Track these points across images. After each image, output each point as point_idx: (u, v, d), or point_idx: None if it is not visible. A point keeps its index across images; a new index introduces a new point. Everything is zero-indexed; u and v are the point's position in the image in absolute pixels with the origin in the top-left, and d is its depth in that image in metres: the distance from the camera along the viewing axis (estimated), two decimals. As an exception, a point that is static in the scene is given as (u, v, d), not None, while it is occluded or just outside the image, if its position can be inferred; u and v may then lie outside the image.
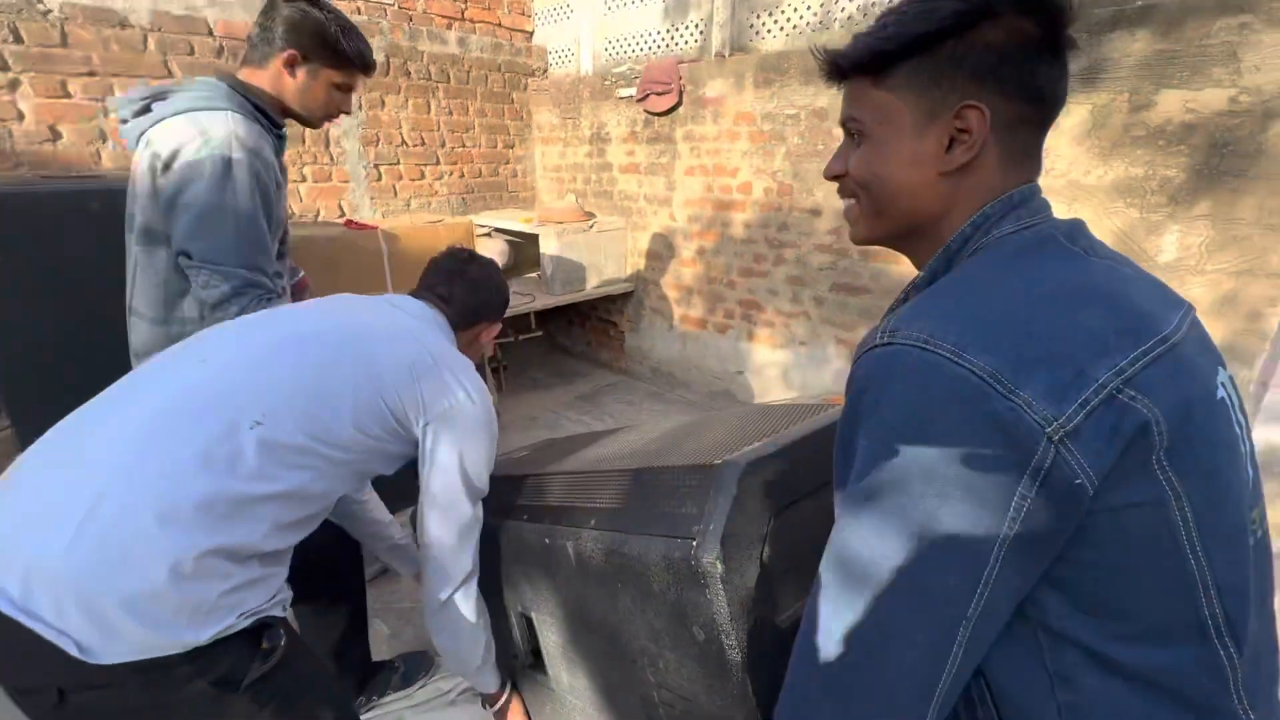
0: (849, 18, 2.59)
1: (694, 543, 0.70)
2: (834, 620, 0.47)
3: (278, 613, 0.84)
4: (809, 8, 2.70)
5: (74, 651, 0.66)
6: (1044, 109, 0.54)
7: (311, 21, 1.19)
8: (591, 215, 3.67)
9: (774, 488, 0.74)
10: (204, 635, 0.73)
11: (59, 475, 0.74)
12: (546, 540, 0.98)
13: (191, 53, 2.67)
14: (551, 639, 1.09)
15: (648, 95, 3.18)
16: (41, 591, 0.66)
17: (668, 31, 3.27)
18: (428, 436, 0.97)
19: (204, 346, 0.89)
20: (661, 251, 3.51)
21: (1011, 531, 0.42)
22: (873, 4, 2.51)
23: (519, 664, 1.24)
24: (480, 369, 1.71)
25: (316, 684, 0.91)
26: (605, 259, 3.60)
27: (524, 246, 3.62)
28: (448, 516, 1.00)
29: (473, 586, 1.06)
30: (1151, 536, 0.44)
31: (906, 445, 0.44)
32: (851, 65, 0.57)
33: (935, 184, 0.55)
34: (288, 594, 0.88)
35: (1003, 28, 0.50)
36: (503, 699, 1.22)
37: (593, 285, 3.54)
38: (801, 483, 0.77)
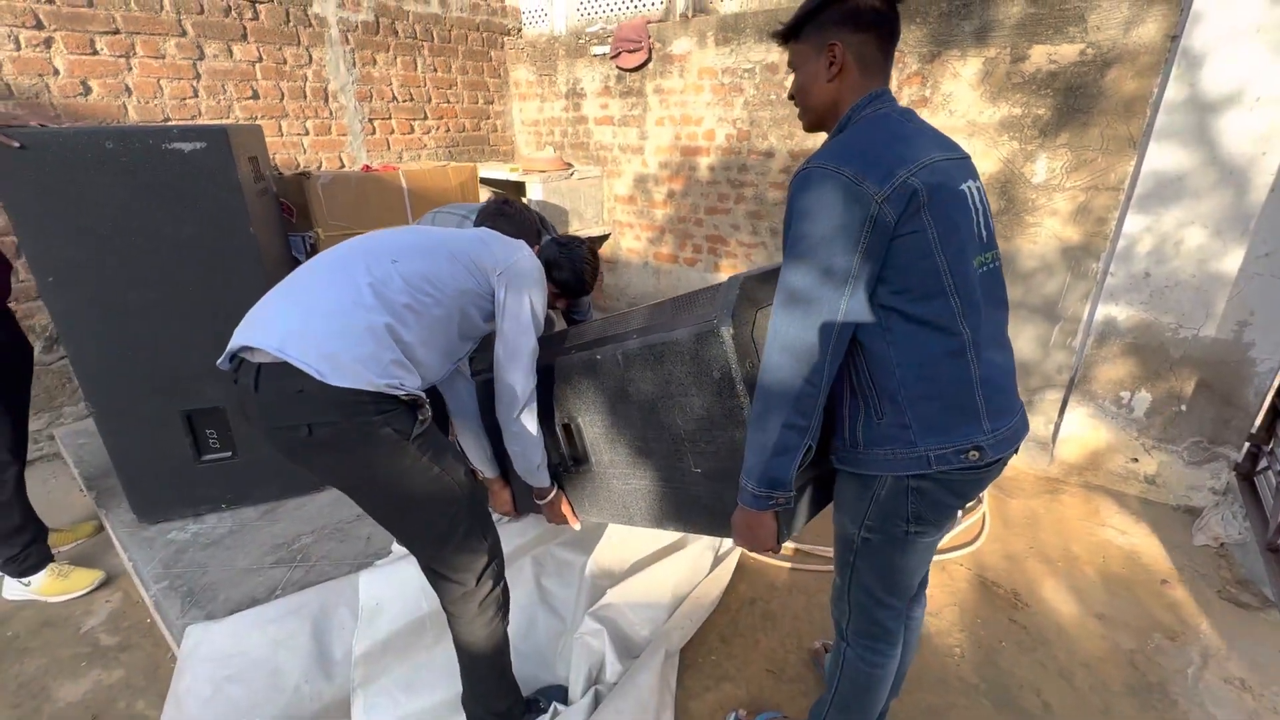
0: (794, -17, 3.00)
1: (714, 320, 1.16)
2: (781, 316, 0.93)
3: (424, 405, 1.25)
4: (760, -27, 3.10)
5: (316, 375, 1.06)
6: (881, 37, 0.97)
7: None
8: (570, 165, 4.04)
9: (756, 295, 1.21)
10: (381, 382, 1.11)
11: (292, 294, 1.19)
12: (598, 357, 1.42)
13: (202, 11, 2.89)
14: (594, 430, 1.52)
15: (619, 53, 3.54)
16: (292, 345, 1.09)
17: (635, -7, 3.61)
18: (500, 287, 1.36)
19: (358, 244, 1.33)
20: (635, 196, 3.92)
21: (862, 246, 0.88)
22: (814, -29, 2.93)
23: (563, 469, 1.65)
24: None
25: (450, 450, 1.29)
26: (584, 204, 3.99)
27: (508, 194, 3.96)
28: (518, 351, 1.39)
29: (534, 405, 1.47)
30: (920, 249, 0.90)
31: (815, 214, 0.88)
32: (785, 33, 1.03)
33: (826, 88, 1.00)
34: (428, 411, 1.26)
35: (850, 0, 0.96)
36: (551, 494, 1.64)
37: (574, 229, 3.93)
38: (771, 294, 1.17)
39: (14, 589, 1.94)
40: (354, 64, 3.49)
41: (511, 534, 1.91)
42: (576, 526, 1.72)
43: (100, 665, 1.74)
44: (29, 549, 1.92)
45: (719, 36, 3.17)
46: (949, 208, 0.92)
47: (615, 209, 4.06)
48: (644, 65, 3.51)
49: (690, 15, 3.37)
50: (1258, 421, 2.29)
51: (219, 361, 1.19)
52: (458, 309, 1.31)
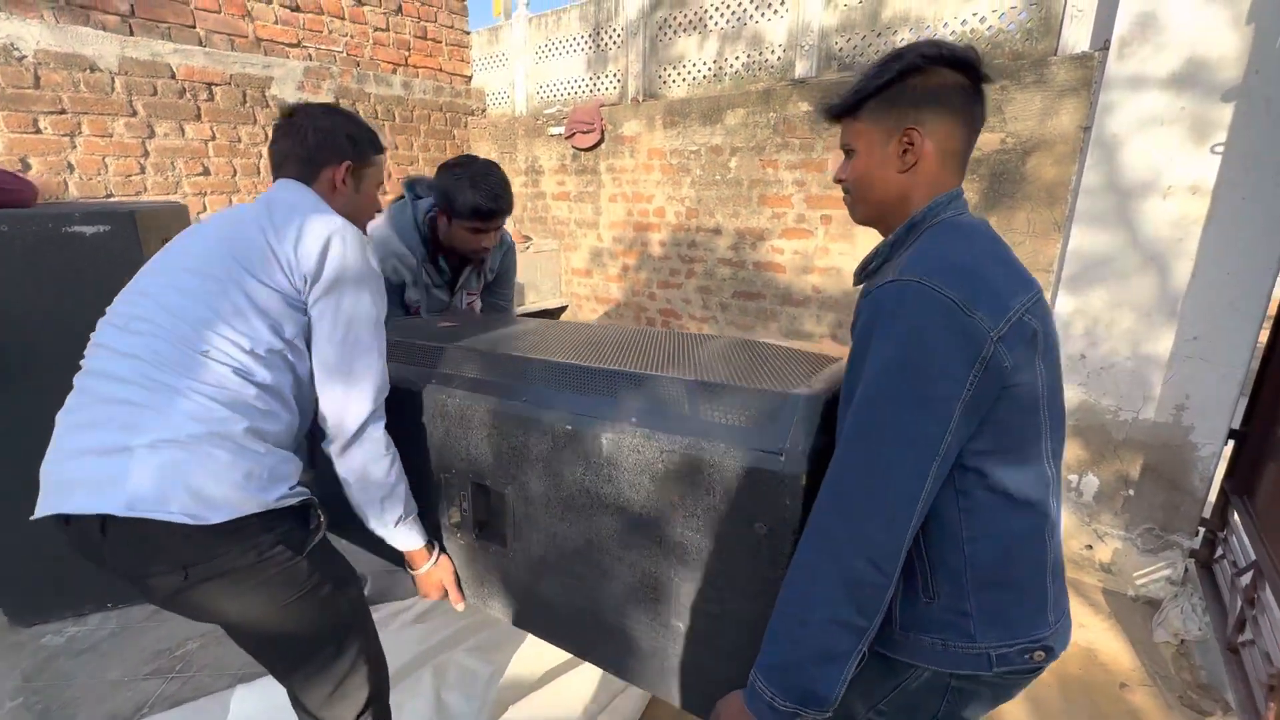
0: (735, 72, 3.13)
1: (781, 458, 0.80)
2: (849, 473, 0.69)
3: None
4: (705, 63, 3.23)
5: (190, 521, 0.86)
6: (966, 126, 0.78)
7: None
8: (528, 238, 4.07)
9: (823, 417, 0.85)
10: (271, 497, 0.93)
11: (108, 418, 0.92)
12: (567, 427, 0.98)
13: (155, 93, 2.94)
14: (529, 511, 1.08)
15: (574, 133, 3.64)
16: (146, 501, 0.86)
17: (591, 79, 3.76)
18: (308, 289, 0.99)
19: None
20: (592, 269, 3.93)
21: (968, 395, 0.67)
22: (753, 62, 3.05)
23: (454, 530, 1.22)
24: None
25: (341, 559, 1.10)
26: (541, 277, 3.99)
27: (466, 267, 3.97)
28: (351, 374, 1.02)
29: (371, 439, 1.05)
30: (1027, 402, 0.71)
31: (909, 344, 0.67)
32: (839, 110, 0.84)
33: (895, 179, 0.80)
34: (320, 516, 1.04)
35: (928, 75, 0.76)
36: (429, 561, 1.19)
37: (530, 302, 3.91)
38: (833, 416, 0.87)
39: None
40: (311, 142, 3.54)
41: (411, 639, 1.76)
42: (459, 607, 1.27)
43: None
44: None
45: (666, 120, 3.26)
46: (1056, 354, 0.76)
47: (572, 282, 4.07)
48: (597, 145, 3.60)
49: (641, 99, 3.49)
50: (1210, 507, 2.21)
51: (33, 517, 0.95)
52: (289, 351, 1.01)
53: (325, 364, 1.02)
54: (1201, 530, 2.24)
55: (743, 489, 0.83)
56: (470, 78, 4.42)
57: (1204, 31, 1.86)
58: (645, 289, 3.66)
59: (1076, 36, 2.17)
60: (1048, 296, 2.32)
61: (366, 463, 1.06)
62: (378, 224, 1.62)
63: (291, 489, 0.99)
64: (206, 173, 3.17)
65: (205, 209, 3.22)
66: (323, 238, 0.99)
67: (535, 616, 1.18)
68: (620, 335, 1.27)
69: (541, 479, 1.05)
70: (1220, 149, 1.86)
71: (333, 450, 1.05)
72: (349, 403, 1.03)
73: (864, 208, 0.87)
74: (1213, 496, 2.21)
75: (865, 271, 0.86)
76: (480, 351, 1.18)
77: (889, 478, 0.68)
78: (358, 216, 1.17)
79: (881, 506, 0.68)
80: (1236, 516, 2.09)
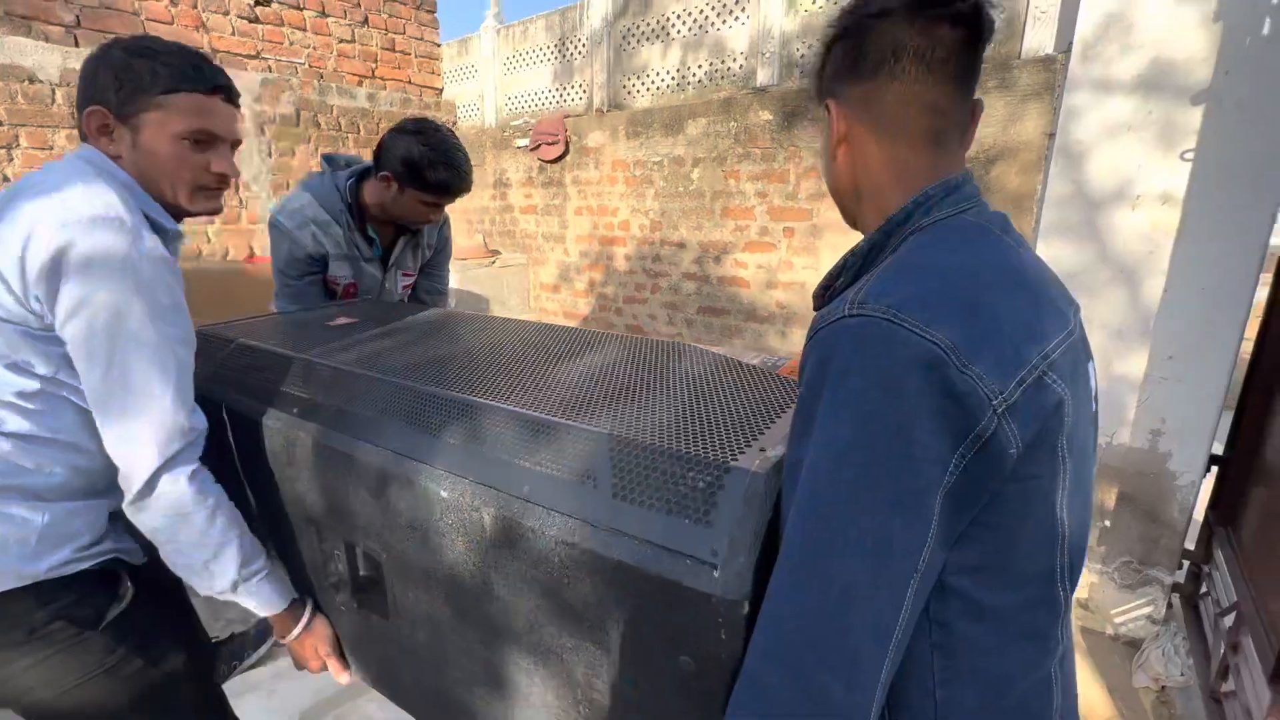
0: (698, 81, 3.03)
1: (715, 572, 0.55)
2: (794, 596, 0.47)
3: (130, 559, 0.91)
4: (668, 72, 3.14)
5: None
6: (938, 83, 0.54)
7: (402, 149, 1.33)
8: (496, 253, 3.97)
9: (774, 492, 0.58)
10: (41, 568, 0.78)
11: None
12: (444, 494, 0.74)
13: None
14: (408, 588, 0.87)
15: (539, 145, 3.54)
16: None
17: (558, 90, 3.67)
18: (52, 295, 0.75)
19: None
20: (560, 284, 3.82)
21: (951, 482, 0.45)
22: (715, 70, 2.96)
23: (332, 590, 0.99)
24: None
25: (167, 622, 0.95)
26: (509, 292, 3.88)
27: (432, 282, 3.87)
28: (105, 406, 0.79)
29: (166, 494, 0.81)
30: (1040, 504, 0.49)
31: (874, 407, 0.45)
32: (813, 101, 0.67)
33: (841, 170, 0.61)
34: (132, 545, 0.93)
35: (867, 30, 0.55)
36: (297, 627, 0.95)
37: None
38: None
39: None
40: (269, 154, 3.46)
41: (307, 690, 1.62)
42: (343, 680, 1.03)
43: None
44: None
45: (629, 130, 3.17)
46: (1083, 422, 0.54)
47: (541, 297, 3.96)
48: (562, 157, 3.51)
49: (605, 110, 3.40)
50: (1193, 539, 2.05)
51: None
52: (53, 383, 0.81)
53: (94, 403, 0.79)
54: (1185, 564, 2.08)
55: (665, 608, 0.58)
56: (441, 90, 4.35)
57: (1171, 32, 1.75)
58: (612, 304, 3.55)
59: (1040, 38, 2.06)
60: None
61: (169, 523, 0.82)
62: (291, 191, 1.46)
63: (83, 550, 0.83)
64: (156, 186, 3.09)
65: (154, 223, 3.13)
66: (52, 242, 0.72)
67: (424, 706, 0.98)
68: (560, 342, 1.02)
69: (420, 551, 0.81)
70: (1190, 155, 1.74)
71: (126, 508, 0.82)
72: (131, 450, 0.79)
73: (840, 207, 0.66)
74: (1197, 526, 2.06)
75: (828, 293, 0.62)
76: (349, 373, 0.92)
77: (848, 611, 0.46)
78: (161, 181, 0.87)
79: (840, 652, 0.46)
80: (1220, 551, 1.93)
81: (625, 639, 0.64)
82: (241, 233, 3.42)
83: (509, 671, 0.80)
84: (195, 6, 3.17)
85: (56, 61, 2.73)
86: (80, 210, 0.74)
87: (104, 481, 0.87)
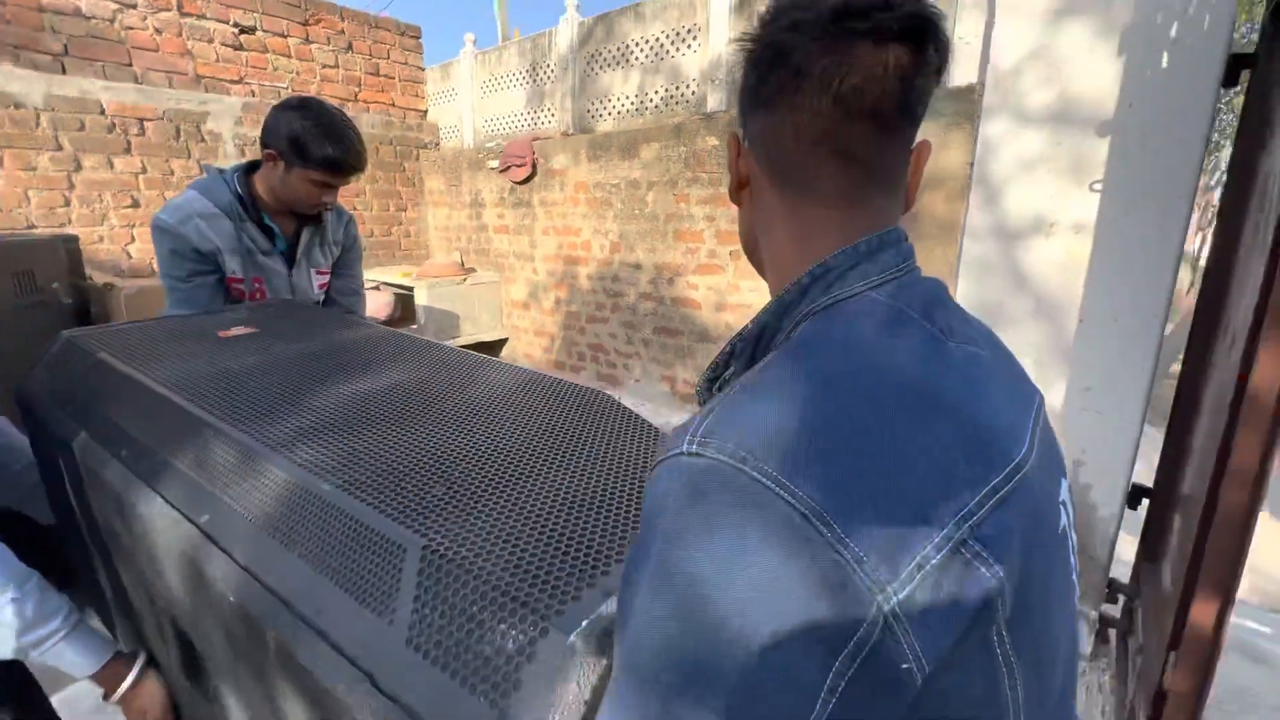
0: (655, 107, 3.09)
1: None
2: None
3: None
4: (628, 97, 3.20)
5: None
6: (858, 111, 0.40)
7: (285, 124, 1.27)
8: (471, 270, 4.05)
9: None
10: None
11: None
12: (231, 598, 0.61)
13: (82, 128, 3.01)
14: (223, 683, 0.76)
15: (509, 166, 3.63)
16: None
17: (530, 113, 3.76)
18: None
19: None
20: (529, 302, 3.89)
21: (825, 713, 0.31)
22: (671, 96, 3.02)
23: (170, 666, 0.89)
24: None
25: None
26: (480, 310, 3.96)
27: (409, 299, 3.96)
28: None
29: None
30: (974, 715, 0.35)
31: (707, 595, 0.32)
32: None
33: (741, 215, 0.50)
34: None
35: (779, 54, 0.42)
36: (125, 680, 0.86)
37: (467, 334, 3.87)
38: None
39: None
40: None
41: None
42: None
43: None
44: None
45: (590, 153, 3.23)
46: (1049, 602, 0.39)
47: (512, 314, 4.02)
48: (530, 179, 3.58)
49: (571, 133, 3.47)
50: (1122, 572, 2.01)
51: None
52: None
53: None
54: (1121, 599, 2.03)
55: None
56: (425, 112, 4.48)
57: (1080, 66, 1.75)
58: (576, 323, 3.60)
59: (964, 68, 2.07)
60: (946, 340, 2.18)
61: None
62: (179, 193, 1.36)
63: None
64: (136, 204, 3.22)
65: (134, 239, 3.26)
66: None
67: None
68: (464, 380, 0.89)
69: (226, 651, 0.69)
70: (1099, 186, 1.73)
71: None
72: None
73: (752, 265, 0.54)
74: (1131, 558, 2.01)
75: (713, 387, 0.51)
76: (181, 409, 0.79)
77: None
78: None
79: None
80: (1144, 586, 1.89)
81: None
82: (220, 249, 3.54)
83: None
84: (180, 34, 3.32)
85: (41, 88, 2.88)
86: None
87: None
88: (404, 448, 0.69)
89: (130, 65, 3.20)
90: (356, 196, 4.09)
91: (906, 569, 0.31)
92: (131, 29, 3.17)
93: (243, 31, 3.56)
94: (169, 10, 3.27)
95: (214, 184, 1.36)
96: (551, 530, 0.54)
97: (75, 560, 1.08)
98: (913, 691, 0.32)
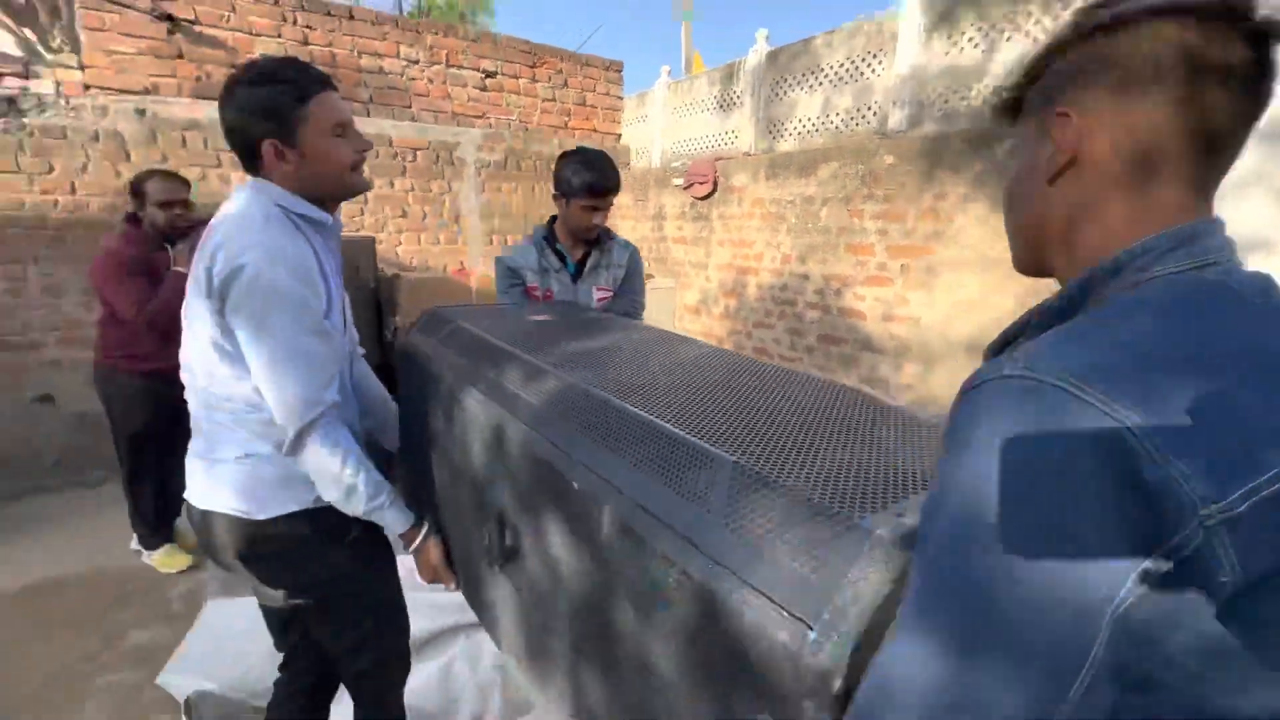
0: (834, 127, 3.29)
1: (810, 633, 0.49)
2: (904, 694, 0.37)
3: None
4: (810, 118, 3.44)
5: (240, 515, 1.10)
6: (1199, 111, 0.43)
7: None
8: (650, 276, 4.53)
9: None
10: (308, 500, 1.12)
11: None
12: (575, 485, 0.77)
13: (377, 157, 3.96)
14: (542, 567, 0.91)
15: (692, 184, 4.03)
16: (211, 496, 1.12)
17: (713, 136, 4.15)
18: (225, 311, 1.00)
19: None
20: (700, 308, 4.25)
21: (1123, 607, 0.34)
22: (852, 117, 3.20)
23: (484, 549, 1.08)
24: None
25: (387, 555, 1.30)
26: (657, 312, 4.40)
27: (595, 298, 4.54)
28: (266, 371, 1.03)
29: (311, 439, 1.06)
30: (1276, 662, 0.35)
31: (1030, 490, 0.35)
32: (1001, 114, 0.57)
33: (1046, 193, 0.51)
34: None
35: (1124, 34, 0.45)
36: (418, 539, 1.22)
37: (643, 331, 4.34)
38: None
39: (145, 556, 2.67)
40: (481, 191, 4.41)
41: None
42: (450, 587, 1.28)
43: (162, 623, 2.32)
44: (155, 534, 2.64)
45: (768, 172, 3.51)
46: None
47: (684, 318, 4.42)
48: (710, 195, 3.95)
49: (751, 153, 3.78)
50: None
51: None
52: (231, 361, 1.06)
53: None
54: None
55: (752, 658, 0.53)
56: (620, 135, 5.08)
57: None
58: (743, 328, 3.88)
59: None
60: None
61: (314, 467, 1.09)
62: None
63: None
64: (405, 215, 4.14)
65: (401, 243, 4.18)
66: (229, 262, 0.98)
67: (531, 664, 1.04)
68: (725, 369, 1.01)
69: (557, 535, 0.85)
70: (1326, 206, 1.63)
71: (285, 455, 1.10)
72: (281, 414, 1.06)
73: (1016, 243, 0.57)
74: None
75: (1002, 347, 0.53)
76: (535, 365, 1.00)
77: None
78: (324, 183, 1.09)
79: None
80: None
81: (709, 676, 0.60)
82: (457, 252, 4.39)
83: (590, 660, 0.82)
84: (444, 82, 4.20)
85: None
86: (246, 242, 1.01)
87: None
88: (701, 402, 0.84)
89: (409, 107, 4.13)
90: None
91: (1236, 493, 0.33)
92: (414, 80, 4.10)
93: (487, 76, 4.38)
94: (439, 64, 4.16)
95: (536, 229, 1.93)
96: (841, 471, 0.63)
97: (406, 470, 1.43)
98: (1221, 602, 0.34)
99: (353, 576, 1.22)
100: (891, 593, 0.48)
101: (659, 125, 4.63)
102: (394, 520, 1.19)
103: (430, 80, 4.17)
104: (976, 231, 2.54)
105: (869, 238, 2.97)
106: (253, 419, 1.08)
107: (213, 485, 1.12)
